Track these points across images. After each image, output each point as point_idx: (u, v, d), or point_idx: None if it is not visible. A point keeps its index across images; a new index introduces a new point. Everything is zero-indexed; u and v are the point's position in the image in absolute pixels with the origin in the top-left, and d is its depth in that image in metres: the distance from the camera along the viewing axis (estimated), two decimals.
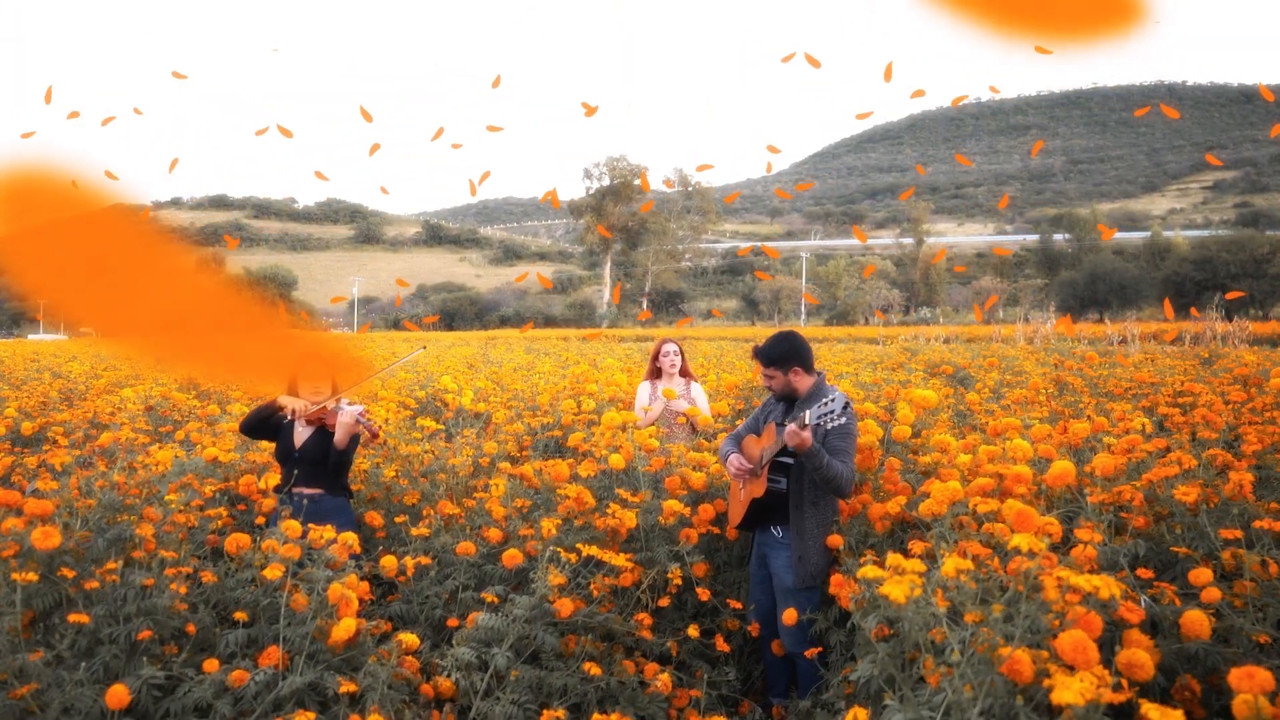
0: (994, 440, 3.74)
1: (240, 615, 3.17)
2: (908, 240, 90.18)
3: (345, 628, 2.99)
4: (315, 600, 3.10)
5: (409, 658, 3.14)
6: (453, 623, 3.48)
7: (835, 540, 3.49)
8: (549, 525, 3.60)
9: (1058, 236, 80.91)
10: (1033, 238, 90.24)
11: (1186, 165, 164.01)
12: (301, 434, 4.21)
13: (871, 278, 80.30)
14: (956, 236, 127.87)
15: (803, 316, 76.18)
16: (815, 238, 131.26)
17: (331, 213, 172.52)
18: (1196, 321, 24.21)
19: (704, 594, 3.62)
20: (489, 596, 3.36)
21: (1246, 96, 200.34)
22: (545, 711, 2.68)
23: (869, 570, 1.98)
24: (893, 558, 2.01)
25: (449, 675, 3.10)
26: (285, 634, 3.03)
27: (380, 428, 4.87)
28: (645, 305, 78.25)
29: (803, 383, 3.82)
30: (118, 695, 2.62)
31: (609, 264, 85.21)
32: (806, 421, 3.35)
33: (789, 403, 3.87)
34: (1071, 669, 1.97)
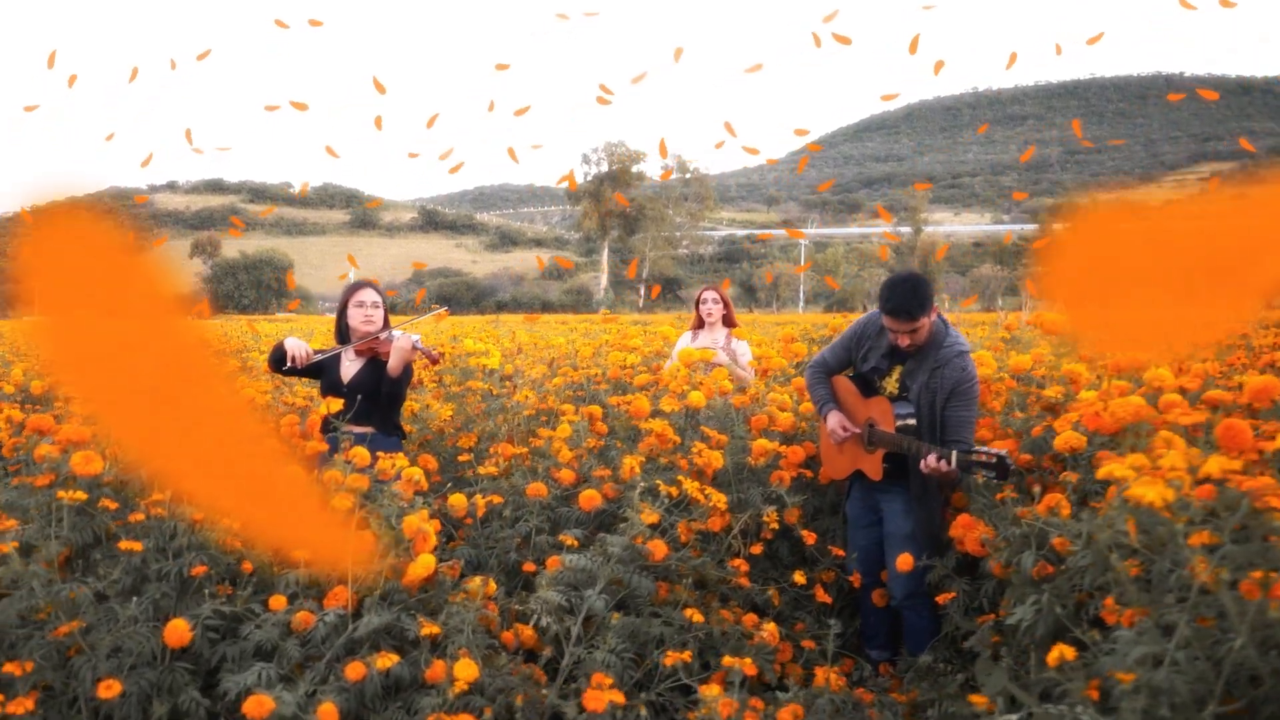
0: (1119, 377, 3.41)
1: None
2: (905, 229, 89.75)
3: (424, 564, 2.66)
4: (387, 535, 2.78)
5: (490, 602, 2.83)
6: (528, 567, 3.16)
7: (960, 498, 3.16)
8: (631, 463, 3.26)
9: (1055, 226, 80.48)
10: (1030, 227, 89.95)
11: (1184, 156, 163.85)
12: (349, 368, 3.86)
13: (869, 266, 79.89)
14: (954, 226, 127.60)
15: (801, 304, 75.91)
16: (812, 226, 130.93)
17: (328, 197, 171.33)
18: None
19: (810, 537, 3.29)
20: (568, 539, 3.02)
21: (1244, 88, 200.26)
22: (670, 654, 2.35)
23: (1114, 467, 1.64)
24: (1134, 457, 1.67)
25: (536, 621, 2.78)
26: (353, 572, 2.70)
27: (440, 352, 4.51)
28: (643, 291, 77.77)
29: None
30: (177, 631, 2.30)
31: (606, 250, 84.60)
32: (952, 464, 3.00)
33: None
34: None
